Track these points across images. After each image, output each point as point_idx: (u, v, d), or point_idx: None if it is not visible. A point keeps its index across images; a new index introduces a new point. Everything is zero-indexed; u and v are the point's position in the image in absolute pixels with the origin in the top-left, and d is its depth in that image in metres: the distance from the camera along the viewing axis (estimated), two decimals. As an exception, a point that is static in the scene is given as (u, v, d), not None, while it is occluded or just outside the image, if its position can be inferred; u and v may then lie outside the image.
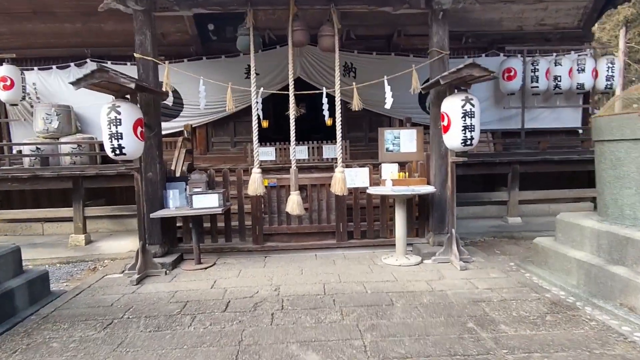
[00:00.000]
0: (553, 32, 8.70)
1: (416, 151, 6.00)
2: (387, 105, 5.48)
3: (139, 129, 4.65)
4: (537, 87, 8.16)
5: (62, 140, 7.58)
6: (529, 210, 8.19)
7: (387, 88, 5.53)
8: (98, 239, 7.48)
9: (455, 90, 4.98)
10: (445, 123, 4.86)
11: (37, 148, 7.44)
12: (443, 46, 5.62)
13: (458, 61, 8.89)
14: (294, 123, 5.37)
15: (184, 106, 8.45)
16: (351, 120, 9.00)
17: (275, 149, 7.82)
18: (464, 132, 4.68)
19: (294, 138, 5.36)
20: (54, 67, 8.27)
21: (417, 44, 8.77)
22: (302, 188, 5.85)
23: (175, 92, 8.44)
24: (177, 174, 6.72)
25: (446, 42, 5.64)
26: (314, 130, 15.77)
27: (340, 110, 5.46)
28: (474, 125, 4.68)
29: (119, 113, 4.47)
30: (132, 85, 4.32)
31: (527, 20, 8.49)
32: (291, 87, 5.41)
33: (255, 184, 5.28)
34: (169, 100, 8.46)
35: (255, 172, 5.32)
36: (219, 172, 6.15)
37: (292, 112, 5.38)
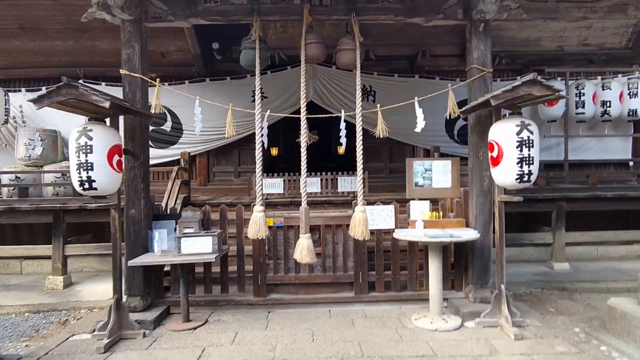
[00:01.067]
0: (597, 53, 7.85)
1: (451, 186, 5.07)
2: (419, 128, 4.64)
3: (116, 158, 3.82)
4: (583, 113, 7.24)
5: (46, 168, 6.82)
6: (574, 253, 7.13)
7: (419, 111, 4.69)
8: (80, 280, 6.61)
9: (506, 114, 4.09)
10: (494, 154, 3.95)
11: (17, 177, 6.67)
12: (485, 63, 4.79)
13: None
14: (305, 152, 4.51)
15: (184, 132, 7.70)
16: (369, 149, 8.11)
17: (284, 181, 6.96)
18: (519, 165, 3.76)
19: (305, 169, 4.48)
20: (43, 88, 7.58)
21: (443, 66, 8.00)
22: (313, 229, 4.94)
23: (174, 116, 7.72)
24: (171, 209, 5.85)
25: (489, 58, 4.81)
26: (328, 159, 15.03)
27: (361, 139, 4.61)
28: (532, 158, 3.76)
29: (90, 138, 3.66)
30: (106, 104, 3.51)
31: (569, 39, 7.67)
32: (303, 110, 4.59)
33: (257, 225, 4.38)
34: (167, 126, 7.72)
35: (257, 211, 4.43)
36: (217, 208, 5.27)
37: (303, 140, 4.52)
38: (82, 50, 7.21)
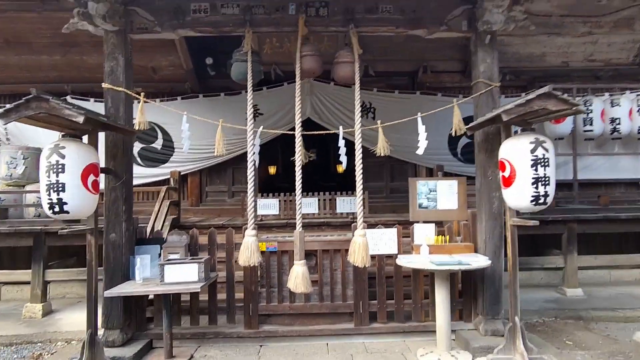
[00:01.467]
0: (604, 69, 7.62)
1: (458, 208, 4.74)
2: (420, 150, 4.35)
3: (91, 178, 3.48)
4: (592, 130, 6.96)
5: (27, 188, 6.47)
6: (586, 277, 6.76)
7: (421, 128, 4.41)
8: (61, 307, 6.21)
9: (518, 131, 3.79)
10: (506, 173, 3.63)
11: (-3, 197, 6.33)
12: (492, 77, 4.52)
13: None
14: (300, 171, 4.19)
15: (175, 150, 7.40)
16: (370, 168, 7.80)
17: (279, 201, 6.62)
18: (535, 186, 3.44)
19: (300, 189, 4.15)
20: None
21: (445, 82, 7.76)
22: (310, 254, 4.59)
23: (165, 134, 7.42)
24: (155, 233, 5.49)
25: (495, 71, 4.54)
26: (326, 178, 14.71)
27: (360, 156, 4.29)
28: (548, 178, 3.44)
29: (62, 156, 3.34)
30: (80, 119, 3.20)
31: (574, 55, 7.46)
32: (298, 127, 4.28)
33: (249, 251, 4.03)
34: (158, 144, 7.42)
35: (249, 235, 4.08)
36: (208, 230, 4.92)
37: (298, 158, 4.20)
38: (69, 65, 6.96)
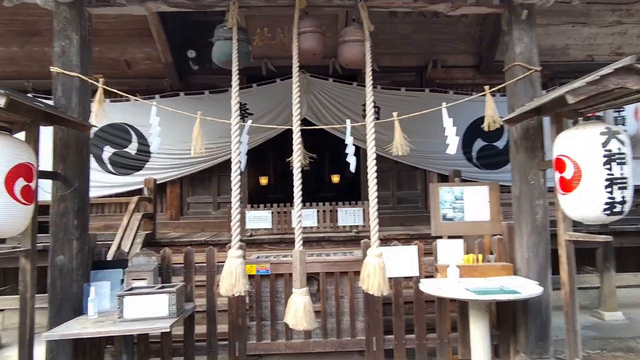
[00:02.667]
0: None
1: (490, 220, 3.94)
2: (452, 149, 3.56)
3: (20, 184, 2.63)
4: (625, 130, 6.21)
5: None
6: (623, 297, 5.98)
7: (448, 122, 3.62)
8: (14, 341, 5.26)
9: (579, 120, 3.02)
10: (567, 174, 2.84)
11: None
12: (531, 59, 3.76)
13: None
14: (299, 174, 3.37)
15: (151, 155, 6.54)
16: (373, 174, 7.02)
17: (272, 213, 5.77)
18: (609, 189, 2.65)
19: (300, 197, 3.33)
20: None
21: (457, 78, 7.03)
22: (311, 277, 3.76)
23: (140, 137, 6.57)
24: (116, 254, 4.61)
25: (535, 53, 3.79)
26: (321, 189, 13.88)
27: (373, 156, 3.52)
28: (625, 179, 2.66)
29: (-23, 154, 2.48)
30: (1, 102, 2.35)
31: (600, 48, 6.78)
32: (296, 118, 3.47)
33: (232, 276, 3.19)
34: (132, 148, 6.56)
35: (234, 257, 3.24)
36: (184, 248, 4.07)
37: (296, 159, 3.40)
38: (29, 58, 6.13)
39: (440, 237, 3.96)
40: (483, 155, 6.86)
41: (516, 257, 3.74)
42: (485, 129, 3.73)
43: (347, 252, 4.58)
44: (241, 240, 5.42)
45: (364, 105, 6.84)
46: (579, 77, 6.36)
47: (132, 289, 3.30)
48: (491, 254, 3.93)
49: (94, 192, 6.48)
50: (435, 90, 6.92)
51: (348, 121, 3.77)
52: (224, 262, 3.35)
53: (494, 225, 3.95)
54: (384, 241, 5.52)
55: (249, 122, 3.78)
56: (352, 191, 12.99)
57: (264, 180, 13.21)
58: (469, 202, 3.95)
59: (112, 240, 4.86)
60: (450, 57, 6.92)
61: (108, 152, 6.51)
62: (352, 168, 3.68)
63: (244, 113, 6.69)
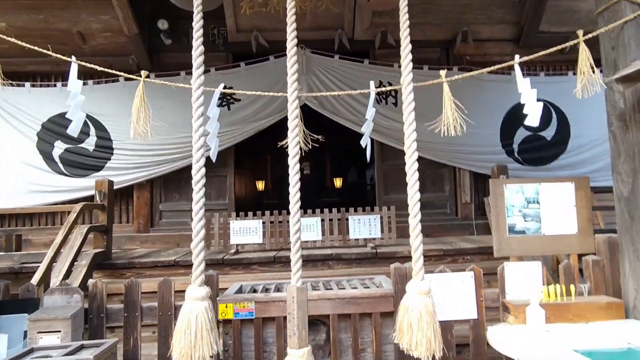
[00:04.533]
0: None
1: (579, 232, 2.73)
2: (533, 120, 2.38)
3: None
4: None
5: None
6: None
7: (524, 82, 2.45)
8: None
9: None
10: None
11: None
12: (642, -8, 2.56)
13: (558, 79, 5.96)
14: (296, 163, 2.19)
15: (114, 152, 5.35)
16: (390, 174, 5.84)
17: (264, 223, 4.57)
18: None
19: (297, 195, 2.14)
20: None
21: (492, 54, 5.87)
22: (316, 321, 2.56)
23: (101, 129, 5.39)
24: (26, 289, 3.42)
25: (648, -18, 2.58)
26: (322, 194, 12.68)
27: (414, 146, 2.32)
28: None
29: None
30: None
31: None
32: (292, 91, 2.27)
33: (192, 332, 1.99)
34: (90, 143, 5.38)
35: (193, 298, 2.05)
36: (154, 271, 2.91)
37: (292, 142, 2.21)
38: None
39: (507, 260, 2.76)
40: (526, 148, 5.67)
41: (626, 289, 2.53)
42: (576, 95, 2.52)
43: (366, 277, 3.38)
44: (222, 261, 4.23)
45: (378, 87, 5.67)
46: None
47: (31, 350, 2.10)
48: (582, 280, 2.73)
49: (41, 199, 5.31)
50: (464, 68, 5.73)
51: (372, 84, 2.56)
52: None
53: (584, 241, 2.75)
54: (409, 258, 4.34)
55: (221, 86, 2.60)
56: (355, 196, 11.86)
57: (260, 185, 12.08)
58: (547, 207, 2.74)
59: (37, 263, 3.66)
60: (484, 28, 5.75)
61: (59, 148, 5.33)
62: (368, 154, 2.54)
63: (230, 98, 5.51)
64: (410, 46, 2.35)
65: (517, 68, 2.56)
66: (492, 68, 2.72)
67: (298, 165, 2.22)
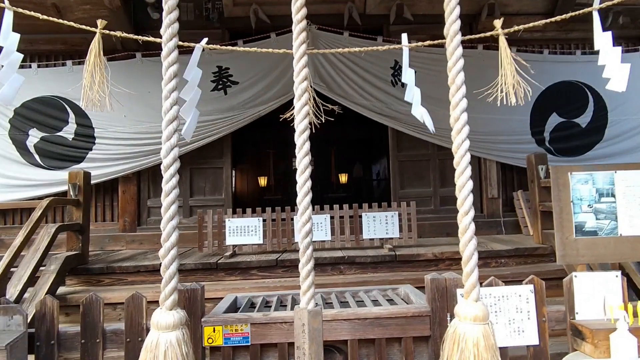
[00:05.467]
0: None
1: (667, 234, 2.14)
2: (618, 85, 1.78)
3: None
4: None
5: None
6: None
7: (614, 52, 1.89)
8: None
9: None
10: None
11: None
12: None
13: (596, 58, 5.33)
14: (304, 141, 1.59)
15: (96, 141, 4.79)
16: (406, 164, 5.25)
17: (264, 221, 3.99)
18: None
19: (308, 188, 1.55)
20: None
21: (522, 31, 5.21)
22: (331, 347, 1.99)
23: (81, 115, 4.84)
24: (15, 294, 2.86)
25: None
26: (327, 189, 12.11)
27: (465, 132, 1.72)
28: None
29: None
30: None
31: None
32: (299, 46, 1.67)
33: (158, 376, 1.40)
34: (68, 131, 4.83)
35: (162, 327, 1.46)
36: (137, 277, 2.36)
37: (300, 116, 1.61)
38: None
39: (574, 267, 2.17)
40: (559, 136, 5.07)
41: None
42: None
43: (387, 287, 2.80)
44: (215, 265, 3.66)
45: (394, 67, 5.09)
46: None
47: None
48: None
49: (16, 194, 4.76)
50: (490, 47, 5.14)
51: (405, 36, 1.99)
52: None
53: (673, 244, 2.16)
54: (433, 262, 3.77)
55: (204, 40, 2.03)
56: (360, 192, 11.28)
57: (262, 181, 11.54)
58: (626, 201, 2.16)
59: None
60: (512, 0, 5.16)
61: (35, 137, 4.77)
62: (431, 126, 1.99)
63: (227, 80, 4.93)
64: (458, 8, 1.70)
65: (595, 16, 1.98)
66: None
67: (308, 145, 1.64)
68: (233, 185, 5.33)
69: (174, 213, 1.57)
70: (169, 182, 1.57)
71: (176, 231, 1.57)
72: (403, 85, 5.10)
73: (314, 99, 2.15)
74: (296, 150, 1.62)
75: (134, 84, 4.59)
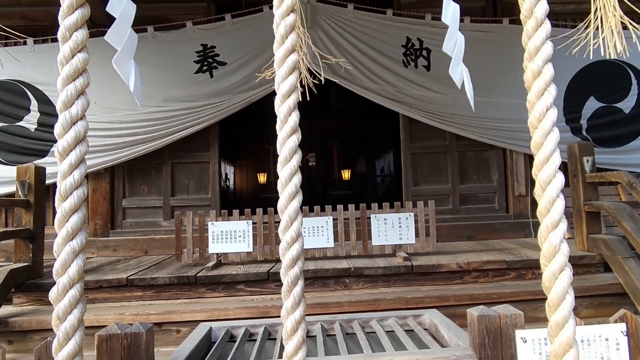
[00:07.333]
0: None
1: None
2: None
3: None
4: None
5: None
6: None
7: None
8: None
9: None
10: None
11: None
12: None
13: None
14: (294, 111, 0.95)
15: (62, 131, 4.17)
16: (420, 157, 4.62)
17: (253, 225, 3.38)
18: None
19: (293, 169, 0.91)
20: None
21: (552, 2, 4.55)
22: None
23: (44, 102, 4.25)
24: None
25: None
26: (329, 186, 11.47)
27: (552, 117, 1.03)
28: None
29: None
30: None
31: None
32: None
33: None
34: (30, 120, 4.25)
35: None
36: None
37: (283, 53, 0.98)
38: None
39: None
40: (597, 124, 4.44)
41: None
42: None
43: (407, 312, 2.19)
44: (194, 279, 3.05)
45: (406, 46, 4.46)
46: None
47: None
48: None
49: (-30, 193, 4.17)
50: (517, 21, 4.50)
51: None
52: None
53: None
54: (458, 274, 3.16)
55: None
56: (364, 189, 10.66)
57: (262, 178, 10.96)
58: None
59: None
60: (543, -33, 4.50)
61: (-10, 127, 4.18)
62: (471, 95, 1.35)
63: (213, 60, 4.32)
64: None
65: None
66: None
67: (296, 117, 1.03)
68: (224, 183, 4.73)
69: (76, 228, 0.96)
70: (68, 177, 0.96)
71: (78, 258, 0.96)
72: (416, 66, 4.50)
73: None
74: (277, 127, 1.01)
75: (108, 66, 4.02)
